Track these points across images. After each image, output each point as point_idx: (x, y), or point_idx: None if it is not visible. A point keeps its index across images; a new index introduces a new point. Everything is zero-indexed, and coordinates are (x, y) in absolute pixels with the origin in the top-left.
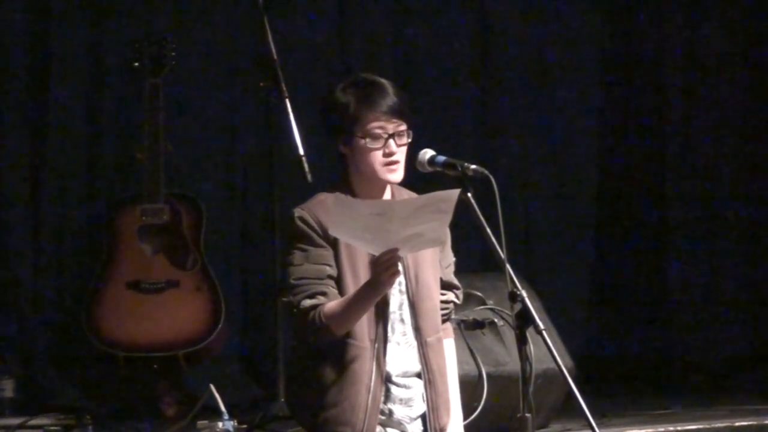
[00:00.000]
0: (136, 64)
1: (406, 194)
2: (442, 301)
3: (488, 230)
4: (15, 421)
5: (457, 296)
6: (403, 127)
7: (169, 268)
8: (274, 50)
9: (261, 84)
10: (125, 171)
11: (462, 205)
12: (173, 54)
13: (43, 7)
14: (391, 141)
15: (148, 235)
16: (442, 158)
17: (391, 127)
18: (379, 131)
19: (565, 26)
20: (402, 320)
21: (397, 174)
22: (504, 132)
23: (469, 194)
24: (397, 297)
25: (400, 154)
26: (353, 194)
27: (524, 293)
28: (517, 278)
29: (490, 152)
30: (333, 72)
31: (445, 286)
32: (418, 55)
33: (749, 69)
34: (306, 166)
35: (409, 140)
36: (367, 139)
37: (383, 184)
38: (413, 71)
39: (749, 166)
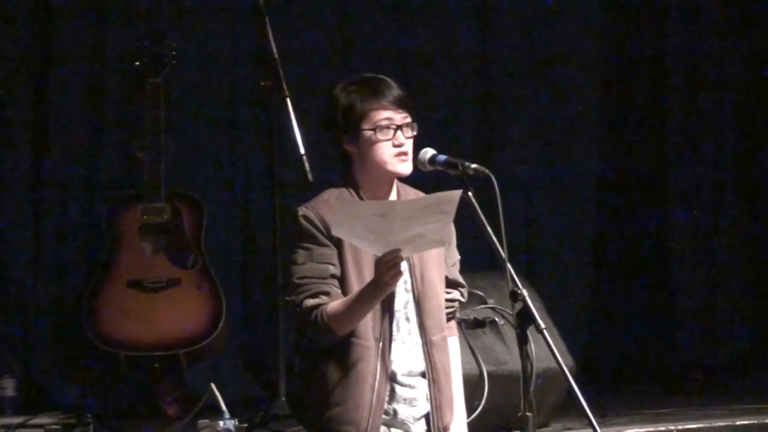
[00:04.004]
0: (137, 63)
1: (413, 193)
2: (448, 300)
3: (489, 229)
4: (16, 420)
5: (462, 294)
6: (410, 119)
7: (170, 267)
8: (275, 50)
9: (261, 83)
10: (126, 170)
11: (463, 204)
12: (174, 53)
13: (44, 7)
14: (399, 132)
15: (148, 234)
16: (442, 157)
17: (398, 119)
18: (386, 122)
19: (566, 25)
20: (407, 319)
21: (407, 165)
22: (504, 131)
23: (470, 193)
24: (402, 295)
25: (408, 146)
26: (359, 193)
27: (525, 292)
28: (518, 277)
29: (491, 151)
30: (334, 71)
31: (451, 284)
32: (418, 55)
33: (749, 65)
34: (307, 165)
35: (415, 133)
36: (376, 131)
37: (390, 181)
38: (413, 71)
39: (750, 165)
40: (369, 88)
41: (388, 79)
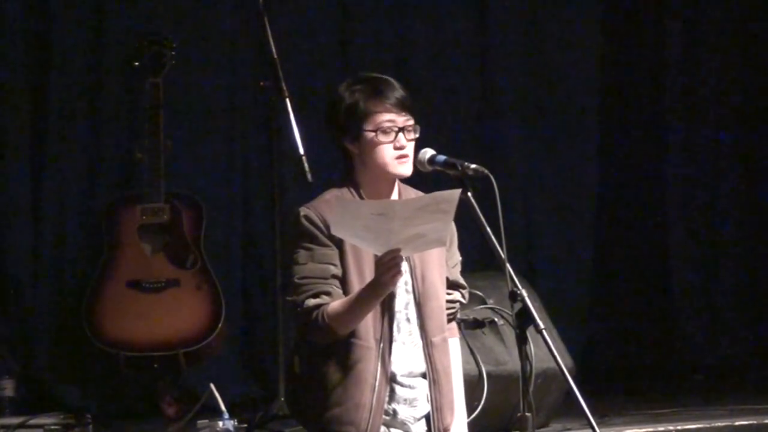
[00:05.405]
0: (137, 63)
1: (413, 193)
2: (448, 301)
3: (488, 229)
4: (15, 420)
5: (463, 296)
6: (412, 121)
7: (170, 268)
8: (274, 50)
9: (261, 84)
10: (125, 170)
11: (462, 204)
12: (173, 53)
13: (43, 7)
14: (401, 135)
15: (148, 235)
16: (442, 157)
17: (400, 121)
18: (389, 124)
19: (565, 25)
20: (408, 320)
21: (407, 167)
22: (504, 131)
23: (469, 193)
24: (403, 296)
25: (409, 149)
26: (360, 193)
27: (524, 292)
28: (518, 277)
29: (490, 151)
30: (333, 72)
31: (452, 285)
32: (418, 55)
33: (748, 62)
34: (306, 165)
35: (417, 136)
36: (378, 133)
37: (392, 181)
38: (413, 71)
39: (749, 165)
40: (373, 88)
41: (392, 80)
